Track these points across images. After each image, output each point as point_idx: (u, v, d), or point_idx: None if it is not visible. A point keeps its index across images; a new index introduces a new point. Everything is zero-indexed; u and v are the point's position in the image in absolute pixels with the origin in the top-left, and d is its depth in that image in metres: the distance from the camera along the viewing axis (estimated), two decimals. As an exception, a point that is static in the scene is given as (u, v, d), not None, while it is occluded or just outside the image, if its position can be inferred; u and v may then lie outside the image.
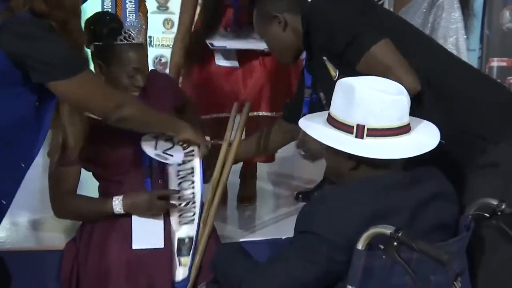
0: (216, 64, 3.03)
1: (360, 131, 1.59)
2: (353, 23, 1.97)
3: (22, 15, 1.68)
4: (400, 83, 1.69)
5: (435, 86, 1.95)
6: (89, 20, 2.26)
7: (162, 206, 2.26)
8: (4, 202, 1.81)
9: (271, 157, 3.17)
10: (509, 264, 1.93)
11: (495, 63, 6.87)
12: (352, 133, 1.60)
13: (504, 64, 6.92)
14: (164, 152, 2.29)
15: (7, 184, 1.81)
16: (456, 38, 2.30)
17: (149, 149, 2.25)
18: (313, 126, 1.72)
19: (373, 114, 1.58)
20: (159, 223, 2.28)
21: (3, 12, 1.68)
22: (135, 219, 2.25)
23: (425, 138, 1.65)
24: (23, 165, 1.82)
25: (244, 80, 3.01)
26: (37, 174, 3.83)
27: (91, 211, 2.26)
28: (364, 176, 1.61)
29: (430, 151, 1.68)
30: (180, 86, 2.98)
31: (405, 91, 1.64)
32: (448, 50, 2.24)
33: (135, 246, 2.23)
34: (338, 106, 1.65)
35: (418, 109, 1.89)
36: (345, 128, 1.61)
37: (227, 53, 3.01)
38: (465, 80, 2.01)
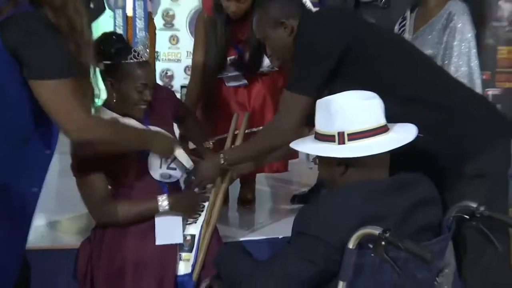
0: (227, 86, 3.02)
1: (341, 138, 1.61)
2: (305, 62, 2.00)
3: (24, 6, 1.63)
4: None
5: (424, 99, 1.95)
6: (97, 41, 2.26)
7: (198, 211, 2.32)
8: (36, 189, 1.80)
9: (285, 166, 3.14)
10: (494, 260, 1.93)
11: (475, 76, 6.89)
12: (334, 141, 1.62)
13: (484, 77, 6.92)
14: (168, 168, 2.32)
15: (36, 172, 1.79)
16: (469, 57, 2.29)
17: (155, 170, 2.30)
18: (302, 143, 1.76)
19: (350, 120, 1.61)
20: (178, 220, 2.28)
21: (6, 5, 1.63)
22: (158, 217, 2.26)
23: (403, 134, 1.66)
24: (47, 152, 1.80)
25: (249, 96, 3.02)
26: (53, 178, 3.85)
27: (136, 213, 2.24)
28: (355, 180, 1.62)
29: (419, 159, 1.71)
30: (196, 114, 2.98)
31: (377, 96, 1.66)
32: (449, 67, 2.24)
33: (158, 242, 2.24)
34: (319, 121, 1.68)
35: (404, 119, 1.91)
36: (328, 138, 1.64)
37: (235, 77, 3.01)
38: (453, 94, 2.00)
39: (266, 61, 2.94)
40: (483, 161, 1.90)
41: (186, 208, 2.29)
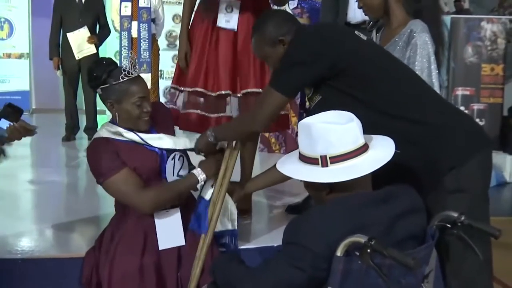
0: (217, 26, 2.96)
1: (324, 161, 1.62)
2: (290, 65, 2.00)
3: None
4: None
5: (406, 115, 1.94)
6: (90, 69, 2.31)
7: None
8: None
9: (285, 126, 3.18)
10: (476, 267, 1.92)
11: (460, 91, 6.91)
12: (318, 164, 1.63)
13: (468, 92, 6.95)
14: (178, 174, 2.36)
15: None
16: (429, 72, 2.32)
17: (170, 176, 2.34)
18: (288, 164, 1.76)
19: (331, 144, 1.62)
20: (178, 222, 2.29)
21: None
22: (158, 222, 2.26)
23: (381, 153, 1.67)
24: None
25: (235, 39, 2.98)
26: (62, 191, 3.87)
27: (181, 189, 2.29)
28: (340, 196, 1.63)
29: (401, 174, 1.71)
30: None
31: (354, 117, 1.67)
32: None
33: (161, 247, 2.24)
34: (303, 143, 1.69)
35: (387, 134, 1.92)
36: (312, 161, 1.65)
37: (229, 16, 2.95)
38: (434, 110, 2.00)
39: None
40: (462, 176, 1.90)
41: (215, 170, 2.32)
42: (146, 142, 2.30)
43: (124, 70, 2.25)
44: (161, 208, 2.27)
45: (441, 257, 1.98)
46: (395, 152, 1.68)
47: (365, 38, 2.09)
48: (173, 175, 2.35)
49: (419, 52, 2.29)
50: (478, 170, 1.93)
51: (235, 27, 2.95)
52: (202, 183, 2.30)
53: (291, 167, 1.72)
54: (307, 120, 1.69)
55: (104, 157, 2.22)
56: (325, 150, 1.62)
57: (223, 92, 2.93)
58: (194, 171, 2.30)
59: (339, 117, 1.67)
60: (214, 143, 2.31)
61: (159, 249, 2.24)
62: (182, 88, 3.03)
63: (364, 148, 1.65)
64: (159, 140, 2.33)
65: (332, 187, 1.64)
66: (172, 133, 2.45)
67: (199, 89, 2.96)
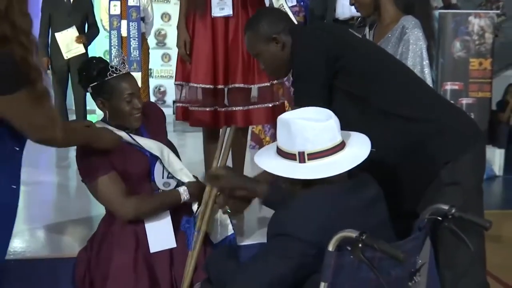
0: (212, 16, 2.96)
1: (302, 157, 1.64)
2: (306, 77, 2.01)
3: None
4: None
5: (404, 112, 1.97)
6: (80, 68, 2.31)
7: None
8: (14, 187, 1.75)
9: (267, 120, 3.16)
10: (468, 260, 1.95)
11: (449, 86, 6.96)
12: (296, 159, 1.65)
13: (456, 87, 7.00)
14: (168, 177, 2.35)
15: (11, 168, 1.75)
16: (421, 68, 2.34)
17: (159, 180, 2.33)
18: (265, 158, 1.76)
19: (309, 141, 1.63)
20: (168, 224, 2.29)
21: None
22: (148, 226, 2.26)
23: (357, 151, 1.69)
24: (17, 148, 1.75)
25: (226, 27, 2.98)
26: (53, 191, 3.85)
27: (161, 204, 2.27)
28: (316, 187, 1.66)
29: (398, 168, 1.74)
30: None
31: (333, 115, 1.69)
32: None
33: (152, 250, 2.24)
34: (281, 139, 1.70)
35: (384, 131, 1.93)
36: (289, 156, 1.67)
37: (222, 3, 2.94)
38: (430, 105, 2.02)
39: None
40: (457, 170, 1.92)
41: (200, 191, 2.31)
42: (137, 143, 2.29)
43: (112, 67, 2.25)
44: (140, 218, 2.25)
45: (435, 249, 2.00)
46: (371, 150, 1.71)
47: (360, 35, 2.11)
48: (162, 178, 2.34)
49: (411, 48, 2.31)
50: (472, 164, 1.96)
51: (231, 12, 2.95)
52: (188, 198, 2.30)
53: (269, 162, 1.73)
54: (286, 115, 1.70)
55: (93, 157, 2.21)
56: (303, 147, 1.64)
57: (236, 86, 2.93)
58: (180, 189, 2.29)
59: (318, 113, 1.69)
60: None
61: (150, 252, 2.24)
62: (187, 84, 3.02)
63: (341, 146, 1.68)
64: (149, 143, 2.32)
65: (307, 182, 1.65)
66: (163, 134, 2.45)
67: (206, 86, 2.95)
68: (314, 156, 1.64)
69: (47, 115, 1.72)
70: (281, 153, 1.70)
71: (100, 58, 2.36)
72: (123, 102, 2.25)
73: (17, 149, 1.75)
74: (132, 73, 2.39)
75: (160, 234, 2.26)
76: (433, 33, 2.44)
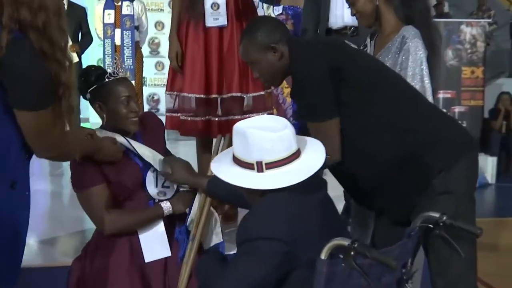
0: (206, 26, 2.98)
1: (259, 167, 1.67)
2: (315, 90, 2.00)
3: (14, 32, 1.56)
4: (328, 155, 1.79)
5: (399, 124, 1.99)
6: (80, 74, 2.32)
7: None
8: (27, 193, 1.78)
9: None
10: (460, 267, 1.96)
11: (441, 95, 7.00)
12: (253, 169, 1.68)
13: (449, 95, 7.05)
14: (163, 186, 2.33)
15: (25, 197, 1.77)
16: (421, 77, 2.35)
17: (152, 188, 2.31)
18: (223, 167, 1.78)
19: (266, 151, 1.66)
20: (162, 233, 2.28)
21: (2, 33, 1.54)
22: (142, 235, 2.25)
23: (313, 159, 1.72)
24: (27, 156, 1.76)
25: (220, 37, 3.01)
26: (46, 199, 3.85)
27: (142, 220, 2.25)
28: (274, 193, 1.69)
29: (392, 177, 1.81)
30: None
31: (288, 124, 1.71)
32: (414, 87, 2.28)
33: (147, 260, 2.23)
34: (238, 148, 1.72)
35: (379, 141, 1.96)
36: (247, 165, 1.69)
37: (216, 13, 2.97)
38: (425, 116, 2.04)
39: None
40: (449, 179, 1.94)
41: (185, 204, 2.29)
42: (133, 148, 2.29)
43: (110, 72, 2.28)
44: (120, 232, 2.24)
45: (428, 257, 2.02)
46: (326, 156, 1.74)
47: (355, 45, 2.12)
48: (156, 187, 2.32)
49: (411, 58, 2.32)
50: (464, 173, 1.98)
51: (225, 22, 2.97)
52: (169, 210, 2.27)
53: (227, 171, 1.75)
54: (242, 124, 1.71)
55: (85, 167, 2.21)
56: (260, 157, 1.66)
57: (232, 95, 2.95)
58: (163, 204, 2.27)
59: (275, 122, 1.71)
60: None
61: (145, 261, 2.23)
62: (179, 94, 3.04)
63: (297, 154, 1.70)
64: (144, 150, 2.33)
65: (266, 190, 1.68)
66: (160, 144, 2.43)
67: (199, 95, 2.97)
68: (272, 165, 1.66)
69: (62, 134, 1.73)
70: (238, 162, 1.72)
71: (98, 66, 2.39)
72: (120, 105, 2.26)
73: (27, 156, 1.76)
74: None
75: (154, 244, 2.25)
76: (433, 43, 2.45)
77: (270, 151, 1.66)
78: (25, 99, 1.60)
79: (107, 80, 2.26)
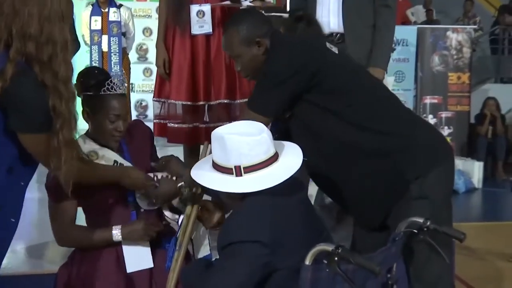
0: (192, 34, 2.99)
1: (238, 171, 1.70)
2: (272, 86, 2.02)
3: (20, 64, 1.61)
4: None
5: (377, 127, 2.00)
6: (80, 73, 2.29)
7: (153, 233, 2.25)
8: (13, 220, 1.78)
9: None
10: (439, 272, 1.98)
11: (428, 100, 7.07)
12: (232, 173, 1.71)
13: (436, 101, 7.11)
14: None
15: (16, 203, 1.79)
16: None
17: (142, 200, 2.29)
18: (202, 173, 1.81)
19: (244, 155, 1.69)
20: (146, 247, 2.26)
21: (6, 65, 1.60)
22: (125, 246, 2.24)
23: (291, 160, 1.76)
24: (22, 183, 1.80)
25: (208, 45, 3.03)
26: (34, 207, 3.83)
27: (93, 240, 2.22)
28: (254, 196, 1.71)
29: (372, 182, 1.83)
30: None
31: (265, 129, 1.74)
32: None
33: (129, 270, 2.22)
34: (216, 153, 1.75)
35: (355, 144, 1.98)
36: (226, 170, 1.72)
37: (202, 21, 2.98)
38: (402, 122, 2.06)
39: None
40: (426, 184, 1.96)
41: (138, 237, 2.23)
42: (118, 164, 2.28)
43: (109, 84, 2.21)
44: (73, 247, 2.28)
45: (406, 262, 2.03)
46: (303, 160, 1.76)
47: (336, 50, 2.12)
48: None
49: None
50: (441, 179, 2.01)
51: (210, 30, 2.98)
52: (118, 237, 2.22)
53: (206, 176, 1.78)
54: (220, 130, 1.74)
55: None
56: (238, 161, 1.69)
57: (220, 101, 2.96)
58: (114, 229, 2.22)
59: (251, 127, 1.74)
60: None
61: (127, 272, 2.22)
62: (167, 101, 3.04)
63: (275, 157, 1.73)
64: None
65: (246, 194, 1.70)
66: (147, 154, 2.40)
67: (186, 102, 2.98)
68: (250, 169, 1.69)
69: (62, 158, 1.75)
70: (217, 167, 1.74)
71: (102, 70, 2.33)
72: (107, 121, 2.23)
73: (23, 184, 1.80)
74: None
75: (137, 255, 2.23)
76: None
77: (248, 155, 1.69)
78: (28, 123, 1.65)
79: (103, 92, 2.21)
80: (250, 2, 3.07)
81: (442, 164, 2.02)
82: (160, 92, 3.09)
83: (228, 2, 2.96)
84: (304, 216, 1.72)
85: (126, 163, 2.29)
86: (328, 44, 2.11)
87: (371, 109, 2.04)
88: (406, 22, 9.52)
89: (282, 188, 1.70)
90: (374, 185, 2.00)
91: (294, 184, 1.74)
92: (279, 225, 1.61)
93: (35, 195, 4.25)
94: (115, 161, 2.27)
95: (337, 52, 2.11)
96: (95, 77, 2.25)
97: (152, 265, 2.25)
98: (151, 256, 2.27)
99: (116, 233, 2.21)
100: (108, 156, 2.27)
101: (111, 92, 2.22)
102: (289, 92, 2.01)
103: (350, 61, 2.21)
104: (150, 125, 2.85)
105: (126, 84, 2.30)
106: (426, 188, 1.96)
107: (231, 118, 2.99)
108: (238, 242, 1.59)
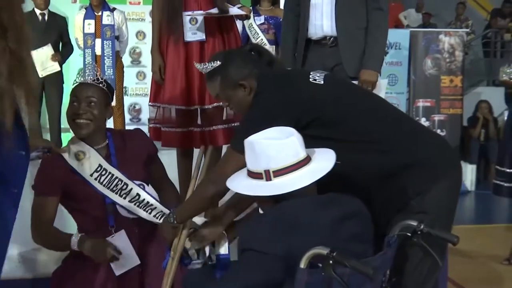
0: (185, 41, 2.99)
1: (267, 175, 1.70)
2: (254, 129, 1.88)
3: None
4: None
5: (376, 147, 1.97)
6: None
7: (110, 256, 2.20)
8: (16, 190, 1.78)
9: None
10: (431, 272, 1.98)
11: (421, 103, 7.09)
12: (262, 178, 1.71)
13: (428, 104, 7.14)
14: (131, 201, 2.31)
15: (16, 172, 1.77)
16: None
17: (122, 209, 2.30)
18: (236, 180, 1.81)
19: (272, 159, 1.69)
20: (127, 245, 2.26)
21: None
22: None
23: (322, 164, 1.74)
24: (22, 153, 1.79)
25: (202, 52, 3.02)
26: (25, 211, 3.81)
27: (59, 243, 2.27)
28: (285, 204, 1.70)
29: (372, 197, 1.82)
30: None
31: (295, 133, 1.74)
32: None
33: (117, 273, 2.23)
34: (248, 160, 1.76)
35: (357, 162, 1.95)
36: (257, 176, 1.72)
37: (195, 28, 2.99)
38: (404, 138, 2.02)
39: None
40: (427, 200, 1.94)
41: (91, 252, 2.20)
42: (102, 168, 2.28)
43: (77, 78, 2.30)
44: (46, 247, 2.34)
45: (399, 265, 2.03)
46: (335, 163, 1.75)
47: (322, 77, 2.04)
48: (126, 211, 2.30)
49: None
50: (443, 195, 1.97)
51: (203, 37, 2.99)
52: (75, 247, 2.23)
53: (238, 183, 1.79)
54: (251, 137, 1.75)
55: (45, 175, 2.24)
56: (267, 165, 1.69)
57: (216, 104, 2.96)
58: (73, 237, 2.22)
59: (280, 132, 1.74)
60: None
61: (116, 275, 2.23)
62: (161, 105, 3.04)
63: (305, 161, 1.72)
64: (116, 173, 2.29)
65: (278, 199, 1.70)
66: (138, 165, 2.37)
67: (180, 107, 2.98)
68: (279, 173, 1.69)
69: None
70: (250, 174, 1.75)
71: (95, 74, 2.34)
72: (69, 107, 2.26)
73: (22, 153, 1.73)
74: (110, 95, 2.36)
75: (121, 257, 2.22)
76: None
77: (276, 158, 1.69)
78: None
79: (72, 86, 2.29)
80: (238, 8, 3.08)
81: (446, 180, 1.98)
82: (155, 97, 3.10)
83: (215, 11, 2.97)
84: (333, 234, 1.63)
85: (111, 169, 2.28)
86: (311, 77, 2.04)
87: (373, 128, 2.00)
88: (399, 25, 9.56)
89: (317, 200, 1.69)
90: (375, 200, 1.95)
91: (334, 198, 1.72)
92: (298, 237, 1.57)
93: (27, 198, 4.24)
94: (100, 165, 2.27)
95: (323, 82, 2.03)
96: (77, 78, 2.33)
97: (138, 262, 2.26)
98: (135, 254, 2.26)
99: (74, 241, 2.22)
100: (94, 159, 2.27)
101: (75, 84, 2.29)
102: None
103: (341, 86, 2.15)
104: (144, 128, 2.85)
105: (98, 75, 2.32)
106: (427, 204, 1.93)
107: (223, 121, 2.99)
108: (252, 250, 1.58)
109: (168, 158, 2.54)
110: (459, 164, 2.14)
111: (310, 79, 2.03)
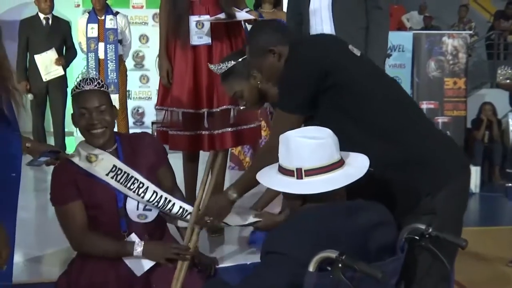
0: (191, 45, 3.00)
1: (299, 174, 1.67)
2: (292, 85, 2.01)
3: None
4: None
5: (393, 137, 1.96)
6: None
7: (173, 257, 2.24)
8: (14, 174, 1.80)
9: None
10: (439, 277, 1.96)
11: (424, 105, 7.06)
12: (294, 176, 1.68)
13: (432, 106, 7.12)
14: (144, 209, 2.30)
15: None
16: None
17: (132, 211, 2.28)
18: (267, 176, 1.80)
19: (305, 158, 1.67)
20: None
21: None
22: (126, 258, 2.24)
23: (355, 169, 1.72)
24: (17, 133, 1.79)
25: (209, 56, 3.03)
26: (31, 216, 3.81)
27: (112, 250, 2.22)
28: (314, 205, 1.67)
29: (379, 194, 1.79)
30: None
31: (331, 134, 1.72)
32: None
33: (138, 274, 2.22)
34: (281, 156, 1.73)
35: (375, 157, 1.92)
36: (288, 172, 1.70)
37: (201, 32, 3.00)
38: (419, 135, 2.00)
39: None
40: (436, 202, 1.92)
41: (158, 257, 2.23)
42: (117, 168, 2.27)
43: (79, 84, 2.24)
44: (91, 255, 2.24)
45: (405, 268, 2.01)
46: (368, 170, 1.72)
47: (358, 53, 2.08)
48: (137, 210, 2.29)
49: None
50: (452, 197, 1.96)
51: (209, 41, 2.99)
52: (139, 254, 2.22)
53: (269, 178, 1.77)
54: (288, 133, 1.73)
55: (61, 183, 2.21)
56: (300, 163, 1.67)
57: (224, 107, 2.96)
58: (136, 249, 2.21)
59: (317, 132, 1.72)
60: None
61: (137, 275, 2.22)
62: (168, 108, 3.04)
63: (339, 164, 1.70)
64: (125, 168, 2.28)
65: (306, 198, 1.68)
66: (147, 167, 2.34)
67: (188, 110, 2.98)
68: (311, 172, 1.66)
69: None
70: (281, 170, 1.73)
71: (92, 76, 2.30)
72: (79, 117, 2.22)
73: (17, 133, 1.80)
74: (110, 95, 2.34)
75: (138, 259, 2.23)
76: None
77: (309, 158, 1.67)
78: None
79: (73, 92, 2.25)
80: (246, 11, 3.07)
81: (456, 182, 1.96)
82: (163, 100, 3.09)
83: (223, 16, 2.96)
84: (359, 241, 1.61)
85: (126, 168, 2.27)
86: (350, 46, 2.08)
87: (388, 117, 1.98)
88: (401, 28, 9.56)
89: (345, 206, 1.67)
90: (386, 198, 1.89)
91: (363, 206, 1.70)
92: (324, 243, 1.53)
93: (32, 202, 4.24)
94: (114, 166, 2.26)
95: (358, 54, 2.07)
96: (77, 82, 2.27)
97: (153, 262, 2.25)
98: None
99: (138, 249, 2.20)
100: (107, 160, 2.26)
101: (79, 90, 2.23)
102: (310, 89, 1.99)
103: (374, 66, 2.17)
104: (147, 131, 2.85)
105: (100, 80, 2.27)
106: (436, 204, 1.91)
107: (231, 124, 2.99)
108: (277, 253, 1.56)
109: (173, 162, 2.54)
110: (469, 167, 2.12)
111: (349, 47, 2.07)
